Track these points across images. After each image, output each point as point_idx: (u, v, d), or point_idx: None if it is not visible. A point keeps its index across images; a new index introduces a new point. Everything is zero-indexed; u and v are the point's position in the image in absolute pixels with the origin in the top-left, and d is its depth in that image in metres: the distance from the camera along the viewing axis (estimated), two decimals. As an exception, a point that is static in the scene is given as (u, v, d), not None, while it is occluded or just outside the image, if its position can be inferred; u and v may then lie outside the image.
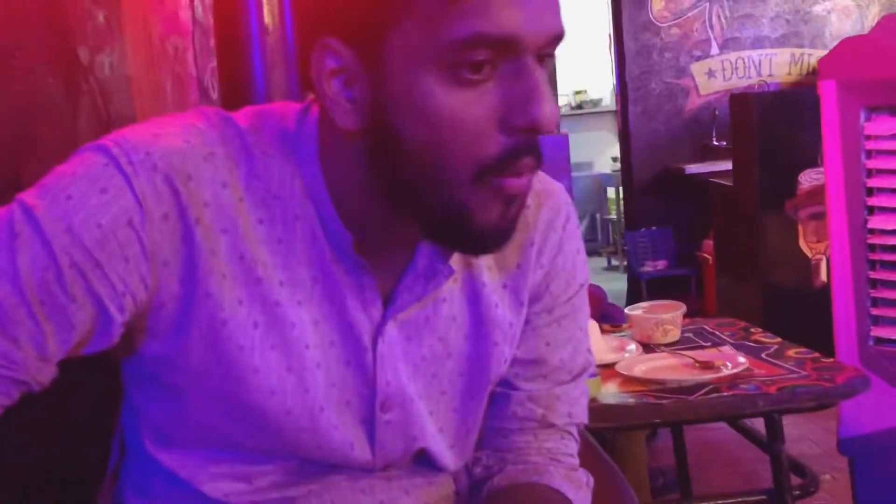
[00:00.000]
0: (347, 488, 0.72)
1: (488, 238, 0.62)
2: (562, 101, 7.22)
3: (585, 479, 0.82)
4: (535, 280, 0.75)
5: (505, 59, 0.57)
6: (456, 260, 0.71)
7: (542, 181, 0.77)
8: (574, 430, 0.82)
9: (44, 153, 1.10)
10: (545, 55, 0.60)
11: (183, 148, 0.63)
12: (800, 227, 3.28)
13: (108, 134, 0.67)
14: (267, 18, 1.41)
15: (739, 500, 1.92)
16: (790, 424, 2.84)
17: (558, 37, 0.60)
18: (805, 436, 2.79)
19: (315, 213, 0.66)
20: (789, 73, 4.79)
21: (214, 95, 1.86)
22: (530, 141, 0.59)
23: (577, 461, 0.82)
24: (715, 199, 3.98)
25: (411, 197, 0.62)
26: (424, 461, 0.76)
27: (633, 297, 4.59)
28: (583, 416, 0.83)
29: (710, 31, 4.76)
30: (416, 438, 0.73)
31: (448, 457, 0.76)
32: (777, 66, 4.78)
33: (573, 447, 0.82)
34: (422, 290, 0.69)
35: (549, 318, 0.77)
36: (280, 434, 0.68)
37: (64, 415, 0.84)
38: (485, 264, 0.74)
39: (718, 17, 4.77)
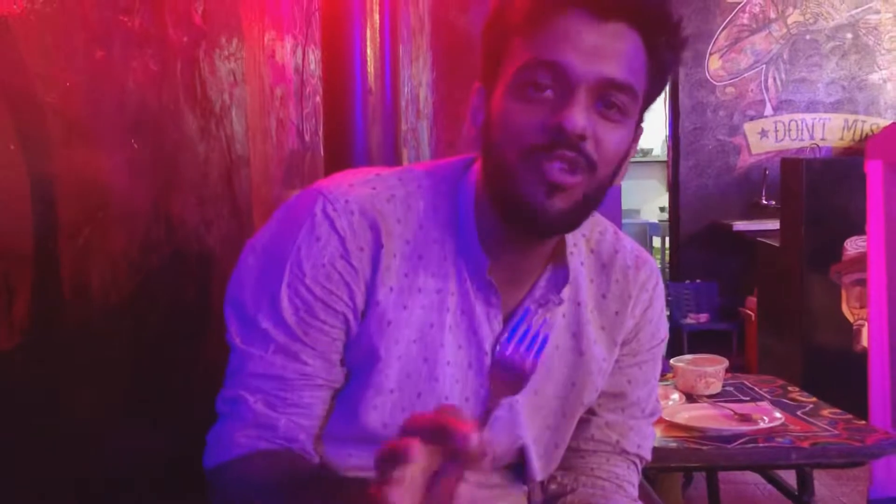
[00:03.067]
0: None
1: (538, 215, 0.77)
2: (613, 148, 7.31)
3: None
4: (627, 327, 0.92)
5: (560, 85, 0.74)
6: (566, 296, 0.87)
7: (640, 249, 0.95)
8: (639, 463, 0.96)
9: (182, 190, 1.29)
10: (605, 98, 0.75)
11: (371, 193, 0.83)
12: (843, 292, 3.35)
13: (243, 216, 0.88)
14: (370, 81, 1.60)
15: (769, 547, 2.01)
16: (824, 486, 2.90)
17: (610, 81, 0.75)
18: (838, 498, 2.84)
19: (465, 241, 0.84)
20: (842, 139, 4.83)
21: (307, 138, 2.05)
22: (562, 138, 0.74)
23: (636, 492, 0.96)
24: (761, 258, 4.04)
25: (491, 184, 0.80)
26: (512, 469, 0.91)
27: (673, 348, 4.62)
28: (648, 453, 0.97)
29: (765, 93, 4.84)
30: (520, 437, 0.88)
31: (536, 466, 0.90)
32: (830, 130, 4.83)
33: (636, 479, 0.96)
34: (534, 312, 0.87)
35: (632, 361, 0.93)
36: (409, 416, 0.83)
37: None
38: (588, 307, 0.90)
39: (774, 79, 4.85)
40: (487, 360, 0.85)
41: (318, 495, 0.73)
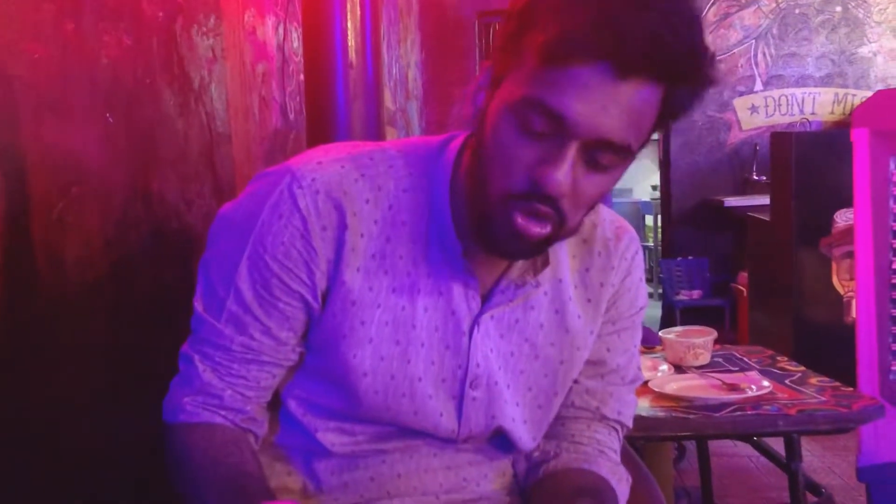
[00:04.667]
0: (425, 452, 0.88)
1: (498, 246, 0.77)
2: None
3: (626, 475, 0.94)
4: (608, 295, 0.91)
5: (555, 134, 0.71)
6: (546, 277, 0.87)
7: (618, 219, 0.94)
8: (620, 429, 0.96)
9: (162, 166, 1.28)
10: (596, 154, 0.72)
11: (340, 172, 0.82)
12: (833, 265, 3.36)
13: (226, 194, 0.88)
14: (351, 55, 1.58)
15: (758, 514, 2.02)
16: (815, 457, 2.93)
17: (607, 143, 0.71)
18: (829, 468, 2.87)
19: (438, 224, 0.83)
20: (832, 113, 4.83)
21: (291, 116, 2.04)
22: (539, 192, 0.72)
23: (618, 458, 0.95)
24: (752, 233, 4.05)
25: (471, 198, 0.79)
26: (496, 441, 0.91)
27: (666, 324, 4.65)
28: (629, 420, 0.96)
29: (754, 68, 4.84)
30: (496, 417, 0.88)
31: (527, 442, 0.91)
32: (820, 105, 4.83)
33: (617, 445, 0.95)
34: (512, 294, 0.86)
35: (612, 329, 0.92)
36: (385, 397, 0.84)
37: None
38: (571, 283, 0.89)
39: (764, 54, 4.84)
40: (465, 341, 0.85)
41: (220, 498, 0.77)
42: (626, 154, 0.73)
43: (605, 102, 0.69)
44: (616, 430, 0.95)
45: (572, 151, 0.71)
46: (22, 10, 0.91)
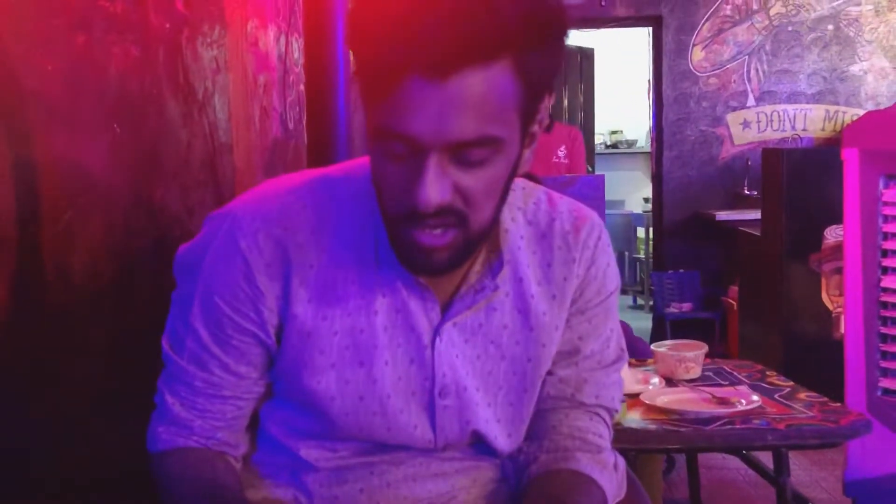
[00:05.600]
0: (410, 461, 0.90)
1: (416, 266, 0.79)
2: (597, 139, 7.38)
3: (613, 459, 0.92)
4: (573, 287, 0.91)
5: (413, 152, 0.71)
6: (506, 278, 0.88)
7: (577, 209, 0.93)
8: (604, 414, 0.94)
9: (166, 175, 1.30)
10: (462, 155, 0.72)
11: (280, 207, 0.84)
12: (823, 281, 3.39)
13: (227, 203, 0.90)
14: (353, 65, 1.61)
15: (746, 526, 2.04)
16: (803, 471, 2.95)
17: (460, 143, 0.71)
18: (817, 483, 2.89)
19: (384, 242, 0.83)
20: (823, 129, 4.88)
21: (291, 126, 2.06)
22: (418, 211, 0.72)
23: (605, 443, 0.92)
24: (743, 247, 4.08)
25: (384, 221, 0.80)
26: (479, 446, 0.92)
27: (657, 336, 4.64)
28: (610, 403, 0.94)
29: (747, 84, 4.88)
30: (470, 422, 0.89)
31: (503, 442, 0.91)
32: (811, 121, 4.87)
33: (602, 429, 0.93)
34: (471, 300, 0.87)
35: (581, 318, 0.92)
36: (356, 418, 0.86)
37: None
38: (534, 279, 0.90)
39: (756, 70, 4.89)
40: (428, 353, 0.86)
41: None
42: (492, 143, 0.72)
43: (438, 109, 0.69)
44: (599, 416, 0.93)
45: (432, 164, 0.71)
46: (35, 24, 0.93)
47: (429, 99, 0.69)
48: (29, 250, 0.90)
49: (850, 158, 1.92)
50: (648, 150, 6.38)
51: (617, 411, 0.96)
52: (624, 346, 0.96)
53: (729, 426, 1.60)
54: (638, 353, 2.32)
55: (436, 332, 0.86)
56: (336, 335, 0.84)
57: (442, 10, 0.68)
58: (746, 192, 4.71)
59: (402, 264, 0.81)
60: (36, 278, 0.92)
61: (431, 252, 0.76)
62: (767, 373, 1.98)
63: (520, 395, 0.91)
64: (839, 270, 3.20)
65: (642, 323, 5.31)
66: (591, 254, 0.91)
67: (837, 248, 3.20)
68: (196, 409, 0.86)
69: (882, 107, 4.58)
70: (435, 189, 0.72)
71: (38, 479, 0.92)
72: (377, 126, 0.72)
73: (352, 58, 0.77)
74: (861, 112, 4.72)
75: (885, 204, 1.88)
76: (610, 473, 0.91)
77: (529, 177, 1.09)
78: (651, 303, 5.49)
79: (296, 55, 2.03)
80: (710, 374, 1.96)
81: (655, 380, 1.89)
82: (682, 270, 4.76)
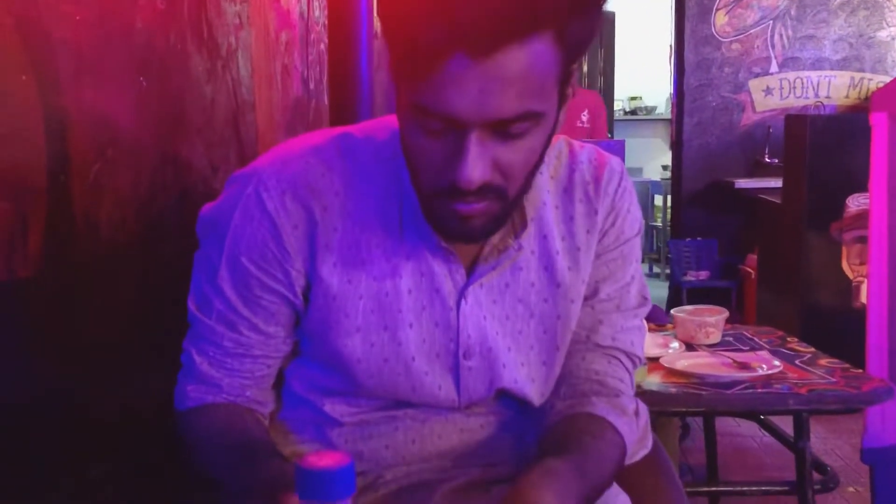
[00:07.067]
0: (435, 417, 0.91)
1: (453, 235, 0.80)
2: (616, 105, 7.30)
3: (634, 406, 0.90)
4: (596, 239, 0.90)
5: (452, 130, 0.71)
6: (530, 236, 0.88)
7: (597, 157, 0.92)
8: (623, 358, 0.92)
9: (190, 131, 1.29)
10: (503, 130, 0.71)
11: (306, 168, 0.84)
12: (844, 249, 3.37)
13: (250, 162, 0.90)
14: (376, 24, 1.59)
15: (763, 488, 2.06)
16: (819, 439, 2.95)
17: (504, 120, 0.70)
18: (832, 451, 2.90)
19: (410, 206, 0.84)
20: (847, 97, 4.80)
21: (311, 85, 2.04)
22: (460, 189, 0.72)
23: (626, 387, 0.91)
24: (762, 215, 4.05)
25: (415, 190, 0.80)
26: (504, 401, 0.92)
27: (673, 305, 4.63)
28: (629, 347, 0.92)
29: (770, 50, 4.80)
30: (494, 381, 0.89)
31: (535, 397, 0.92)
32: (835, 88, 4.79)
33: (622, 373, 0.91)
34: (496, 261, 0.87)
35: (598, 262, 0.91)
36: (381, 379, 0.87)
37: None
38: (559, 235, 0.89)
39: (781, 35, 4.80)
40: (453, 315, 0.86)
41: (238, 465, 0.79)
42: (532, 117, 0.72)
43: (480, 87, 0.68)
44: (616, 359, 0.92)
45: (473, 141, 0.71)
46: (64, -28, 0.92)
47: (471, 77, 0.67)
48: (60, 201, 0.90)
49: (879, 123, 1.88)
50: (667, 116, 6.32)
51: (640, 358, 0.94)
52: (647, 294, 0.95)
53: (750, 390, 1.60)
54: (655, 319, 2.32)
55: (461, 294, 0.86)
56: (361, 299, 0.85)
57: None
58: (767, 159, 4.66)
59: (435, 232, 0.82)
60: (67, 228, 0.92)
61: (468, 219, 0.76)
62: (788, 339, 1.98)
63: (552, 354, 0.91)
64: (860, 239, 3.17)
65: (659, 291, 5.31)
66: (610, 201, 0.90)
67: (859, 217, 3.17)
68: (225, 369, 0.87)
69: (910, 73, 4.49)
70: (477, 168, 0.71)
71: (63, 433, 0.93)
72: (415, 103, 0.71)
73: (381, 32, 0.75)
74: (887, 79, 4.63)
75: (914, 170, 1.86)
76: (630, 419, 0.89)
77: None
78: (668, 271, 5.47)
79: (317, 13, 2.01)
80: (731, 339, 1.96)
81: (675, 344, 1.89)
82: (699, 238, 4.73)
